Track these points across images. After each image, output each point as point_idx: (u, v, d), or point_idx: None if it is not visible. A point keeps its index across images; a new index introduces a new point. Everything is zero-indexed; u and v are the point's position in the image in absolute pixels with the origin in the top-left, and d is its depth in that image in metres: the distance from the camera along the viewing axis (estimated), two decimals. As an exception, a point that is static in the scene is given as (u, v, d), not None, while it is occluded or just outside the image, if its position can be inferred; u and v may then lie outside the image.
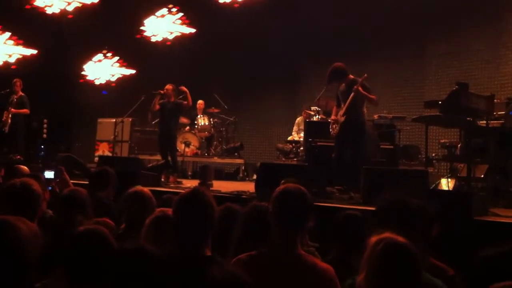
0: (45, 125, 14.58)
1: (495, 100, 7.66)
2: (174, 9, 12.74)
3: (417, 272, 2.29)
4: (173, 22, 12.90)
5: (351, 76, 7.33)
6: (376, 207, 2.99)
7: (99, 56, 14.42)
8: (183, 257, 2.62)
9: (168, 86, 9.55)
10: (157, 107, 9.60)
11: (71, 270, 2.59)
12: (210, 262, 2.57)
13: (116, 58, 14.44)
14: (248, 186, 7.60)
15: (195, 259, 2.60)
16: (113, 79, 14.45)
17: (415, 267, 2.28)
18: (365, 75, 7.26)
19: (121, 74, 14.51)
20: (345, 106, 7.21)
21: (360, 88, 7.02)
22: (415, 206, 2.90)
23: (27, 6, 11.95)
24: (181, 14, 12.81)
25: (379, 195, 3.08)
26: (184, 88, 9.53)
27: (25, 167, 5.61)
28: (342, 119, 7.22)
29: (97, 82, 14.47)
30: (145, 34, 12.80)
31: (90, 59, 14.37)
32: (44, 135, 14.50)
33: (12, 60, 13.50)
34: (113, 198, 5.02)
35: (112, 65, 14.51)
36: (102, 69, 14.46)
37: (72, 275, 2.58)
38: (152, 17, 12.81)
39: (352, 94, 7.07)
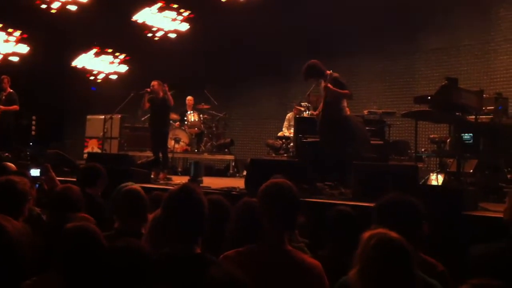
0: (34, 122, 14.49)
1: (484, 95, 7.69)
2: (174, 6, 12.68)
3: (410, 267, 2.28)
4: (173, 20, 12.81)
5: (328, 72, 7.30)
6: (375, 205, 2.98)
7: (90, 52, 14.32)
8: (173, 255, 2.59)
9: (154, 83, 9.50)
10: (147, 105, 9.56)
11: (62, 267, 2.57)
12: (200, 260, 2.55)
13: (107, 54, 14.34)
14: (238, 183, 7.59)
15: (185, 258, 2.57)
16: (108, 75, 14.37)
17: (408, 263, 2.27)
18: (330, 71, 7.21)
19: (114, 71, 14.42)
20: (321, 104, 7.24)
21: (329, 85, 7.02)
22: (412, 204, 2.90)
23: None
24: (176, 11, 12.73)
25: (378, 194, 3.07)
26: (166, 87, 9.45)
27: (12, 165, 5.56)
28: (319, 116, 7.27)
29: (97, 77, 14.39)
30: (137, 24, 12.70)
31: (79, 55, 14.28)
32: (33, 132, 14.41)
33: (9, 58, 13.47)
34: (100, 193, 4.96)
35: (103, 62, 14.42)
36: (93, 65, 14.37)
37: (63, 272, 2.56)
38: (145, 12, 12.72)
39: (324, 92, 7.10)
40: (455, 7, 10.95)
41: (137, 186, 3.94)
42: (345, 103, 7.33)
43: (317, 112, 7.47)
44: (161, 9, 12.74)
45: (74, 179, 6.02)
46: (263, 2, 11.63)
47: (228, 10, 11.91)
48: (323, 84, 7.30)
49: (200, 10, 12.83)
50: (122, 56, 14.39)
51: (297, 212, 2.79)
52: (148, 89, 9.43)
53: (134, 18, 12.70)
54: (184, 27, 12.94)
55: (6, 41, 13.59)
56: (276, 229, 2.70)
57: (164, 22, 12.92)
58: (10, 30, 13.47)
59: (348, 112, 7.48)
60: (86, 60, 14.36)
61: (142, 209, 3.64)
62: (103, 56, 14.37)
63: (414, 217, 2.86)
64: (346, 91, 7.19)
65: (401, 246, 2.27)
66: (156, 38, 13.01)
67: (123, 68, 14.42)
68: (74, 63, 14.32)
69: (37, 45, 13.74)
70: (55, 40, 13.76)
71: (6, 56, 13.49)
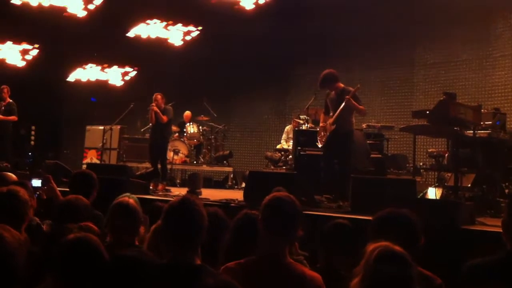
0: (33, 132, 14.50)
1: (482, 110, 7.72)
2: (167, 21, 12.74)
3: (412, 280, 2.31)
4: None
5: (341, 85, 7.37)
6: (373, 219, 3.00)
7: (88, 63, 14.37)
8: (173, 266, 2.61)
9: (158, 96, 9.57)
10: (154, 118, 9.60)
11: (60, 278, 2.58)
12: (200, 271, 2.57)
13: (105, 65, 14.38)
14: (237, 195, 7.60)
15: (185, 268, 2.59)
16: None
17: (409, 275, 2.30)
18: (358, 85, 7.32)
19: (110, 81, 14.45)
20: (335, 116, 7.23)
21: (351, 100, 7.06)
22: (408, 218, 2.92)
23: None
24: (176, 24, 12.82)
25: (376, 207, 3.09)
26: (155, 108, 9.52)
27: (13, 175, 5.56)
28: (332, 127, 7.25)
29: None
30: (135, 38, 12.75)
31: (80, 66, 14.32)
32: (32, 142, 14.42)
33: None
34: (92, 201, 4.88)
35: (100, 72, 14.45)
36: (90, 75, 14.40)
37: (62, 283, 2.56)
38: (144, 25, 12.80)
39: (343, 104, 7.10)
40: (454, 22, 11.02)
41: (132, 198, 3.86)
42: (353, 118, 7.42)
43: (327, 123, 7.38)
44: (159, 20, 12.80)
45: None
46: (262, 15, 11.70)
47: (227, 23, 11.97)
48: (333, 95, 7.35)
49: (199, 23, 12.88)
50: (120, 69, 14.40)
51: (298, 226, 2.81)
52: (154, 104, 9.49)
53: (133, 31, 12.76)
54: (181, 40, 12.95)
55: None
56: (277, 242, 2.73)
57: (162, 34, 12.97)
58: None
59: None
60: (86, 72, 14.40)
61: (132, 222, 3.55)
62: (102, 68, 14.39)
63: (410, 231, 2.88)
64: (362, 107, 7.28)
65: (403, 259, 2.30)
66: (155, 50, 13.04)
67: (121, 80, 14.44)
68: (74, 75, 14.35)
69: (37, 55, 13.79)
70: (55, 50, 13.81)
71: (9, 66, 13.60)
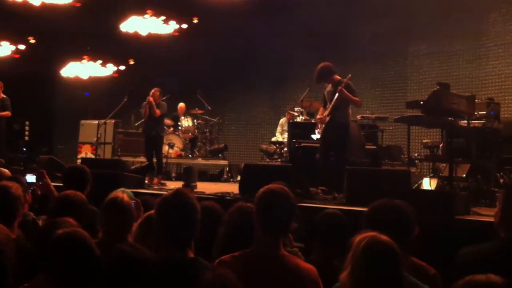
0: (26, 127, 14.44)
1: (476, 101, 7.74)
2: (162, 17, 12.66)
3: (399, 270, 2.31)
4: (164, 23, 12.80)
5: (338, 77, 7.35)
6: (366, 210, 3.00)
7: (81, 57, 14.29)
8: (166, 260, 2.60)
9: (156, 92, 9.56)
10: (148, 113, 9.57)
11: (51, 273, 2.57)
12: (193, 265, 2.57)
13: (98, 59, 14.30)
14: (233, 188, 7.61)
15: (178, 262, 2.58)
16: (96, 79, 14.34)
17: (397, 265, 2.30)
18: (349, 75, 7.30)
19: (104, 75, 14.38)
20: (330, 107, 7.23)
21: (343, 90, 7.05)
22: (401, 209, 2.93)
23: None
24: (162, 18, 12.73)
25: (371, 198, 3.10)
26: (150, 99, 9.50)
27: (6, 170, 5.55)
28: (327, 119, 7.25)
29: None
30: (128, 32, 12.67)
31: (73, 61, 14.24)
32: (26, 138, 14.36)
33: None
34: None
35: (94, 66, 14.37)
36: (84, 70, 14.33)
37: (54, 278, 2.56)
38: (136, 18, 12.71)
39: (337, 95, 7.10)
40: (446, 12, 11.01)
41: (125, 194, 3.80)
42: (350, 109, 7.41)
43: (323, 115, 7.39)
44: (154, 15, 12.72)
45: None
46: (255, 7, 11.66)
47: (220, 15, 11.92)
48: (329, 87, 7.35)
49: (192, 15, 12.81)
50: (113, 62, 14.32)
51: (292, 218, 2.80)
52: (151, 98, 9.46)
53: (127, 25, 12.67)
54: (175, 33, 12.88)
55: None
56: (271, 235, 2.72)
57: (155, 27, 12.89)
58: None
59: None
60: (79, 66, 14.32)
61: (125, 219, 3.47)
62: (95, 62, 14.32)
63: (403, 222, 2.88)
64: (357, 98, 7.27)
65: (390, 248, 2.30)
66: (149, 44, 12.98)
67: (115, 74, 14.37)
68: (67, 69, 14.26)
69: (30, 50, 13.71)
70: (48, 45, 13.75)
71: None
